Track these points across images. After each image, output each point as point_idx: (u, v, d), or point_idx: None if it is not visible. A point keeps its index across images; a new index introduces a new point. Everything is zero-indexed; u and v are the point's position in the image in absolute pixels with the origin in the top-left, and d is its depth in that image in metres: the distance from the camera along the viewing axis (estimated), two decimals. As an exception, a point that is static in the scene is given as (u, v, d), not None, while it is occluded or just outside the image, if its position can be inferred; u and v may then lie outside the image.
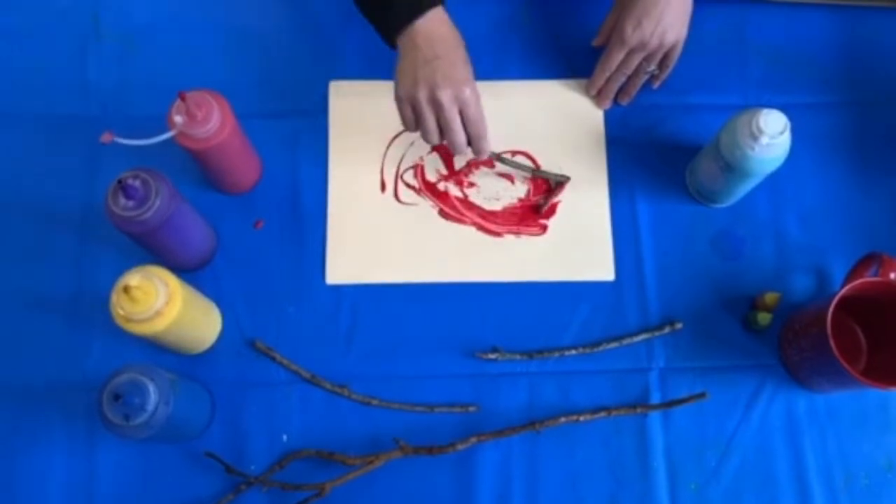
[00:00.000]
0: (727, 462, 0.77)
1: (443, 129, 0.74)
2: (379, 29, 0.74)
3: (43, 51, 0.87)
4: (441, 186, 0.84)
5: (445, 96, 0.71)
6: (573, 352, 0.79)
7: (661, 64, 0.83)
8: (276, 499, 0.75)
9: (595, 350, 0.79)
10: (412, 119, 0.74)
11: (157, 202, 0.67)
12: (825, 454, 0.77)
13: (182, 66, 0.87)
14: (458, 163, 0.85)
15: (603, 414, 0.77)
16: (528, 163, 0.84)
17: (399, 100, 0.73)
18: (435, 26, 0.71)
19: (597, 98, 0.86)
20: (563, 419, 0.77)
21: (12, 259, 0.81)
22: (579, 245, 0.83)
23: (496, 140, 0.85)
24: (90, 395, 0.69)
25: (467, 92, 0.72)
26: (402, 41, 0.72)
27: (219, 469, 0.74)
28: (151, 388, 0.64)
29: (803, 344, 0.75)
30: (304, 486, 0.73)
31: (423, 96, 0.71)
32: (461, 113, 0.73)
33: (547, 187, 0.84)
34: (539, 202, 0.83)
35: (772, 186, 0.82)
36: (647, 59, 0.81)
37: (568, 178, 0.84)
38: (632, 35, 0.78)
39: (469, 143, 0.76)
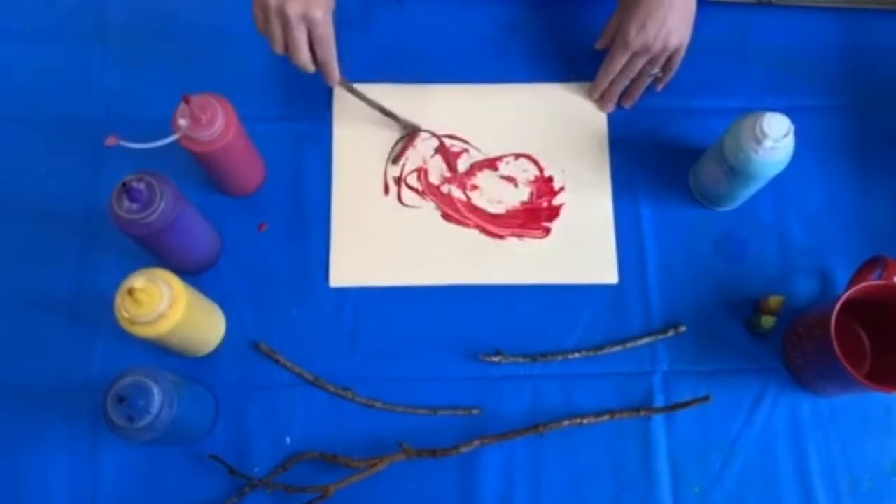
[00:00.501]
0: (731, 465, 0.77)
1: (288, 45, 0.74)
2: None
3: (47, 52, 0.87)
4: (444, 189, 0.84)
5: (293, 10, 0.71)
6: (576, 355, 0.79)
7: (665, 67, 0.83)
8: (280, 501, 0.74)
9: (598, 353, 0.79)
10: (263, 23, 0.74)
11: (162, 205, 0.67)
12: (829, 458, 0.77)
13: (186, 68, 0.87)
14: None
15: (606, 417, 0.77)
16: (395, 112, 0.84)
17: (254, 1, 0.74)
18: None
19: (600, 101, 0.86)
20: (566, 422, 0.77)
21: (15, 260, 0.81)
22: (582, 248, 0.83)
23: (498, 141, 0.86)
24: (93, 397, 0.70)
25: (318, 14, 0.72)
26: None
27: (222, 471, 0.74)
28: (155, 390, 0.64)
29: (807, 347, 0.75)
30: (308, 488, 0.73)
31: (273, 3, 0.71)
32: (310, 33, 0.73)
33: (548, 189, 0.84)
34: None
35: (775, 189, 0.82)
36: (650, 63, 0.81)
37: (419, 128, 0.84)
38: (635, 38, 0.78)
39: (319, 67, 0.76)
